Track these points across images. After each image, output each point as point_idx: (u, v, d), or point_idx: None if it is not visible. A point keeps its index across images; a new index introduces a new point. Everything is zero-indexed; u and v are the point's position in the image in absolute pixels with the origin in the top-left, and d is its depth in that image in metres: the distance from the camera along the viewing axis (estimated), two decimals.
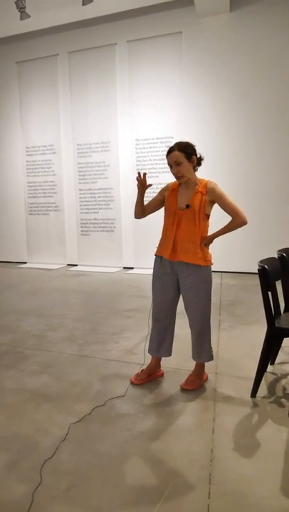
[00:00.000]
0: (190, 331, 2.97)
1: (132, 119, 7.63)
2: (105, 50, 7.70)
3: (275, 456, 2.13)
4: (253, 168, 6.89)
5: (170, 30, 7.13)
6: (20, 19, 6.76)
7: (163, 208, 2.96)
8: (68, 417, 2.57)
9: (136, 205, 2.98)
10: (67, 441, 2.32)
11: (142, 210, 2.98)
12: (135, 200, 2.98)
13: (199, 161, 2.86)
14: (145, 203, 2.98)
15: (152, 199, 3.01)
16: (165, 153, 2.87)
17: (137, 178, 2.88)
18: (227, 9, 6.68)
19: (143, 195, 2.93)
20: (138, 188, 2.90)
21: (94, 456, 2.17)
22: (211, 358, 2.97)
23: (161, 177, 7.00)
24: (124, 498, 1.87)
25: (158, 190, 3.01)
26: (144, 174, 2.88)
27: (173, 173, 2.82)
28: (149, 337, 3.12)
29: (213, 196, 2.78)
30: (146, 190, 2.89)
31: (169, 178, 2.93)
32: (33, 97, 8.43)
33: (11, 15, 6.91)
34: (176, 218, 2.82)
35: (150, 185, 2.90)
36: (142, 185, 2.88)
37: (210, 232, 2.86)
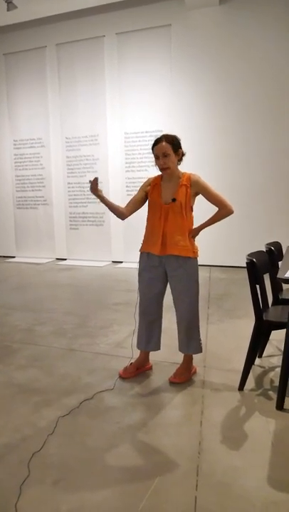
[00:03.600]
0: (177, 324, 2.97)
1: (121, 112, 7.57)
2: (94, 43, 7.61)
3: (262, 448, 2.15)
4: (241, 162, 6.89)
5: (159, 23, 7.07)
6: (7, 10, 6.66)
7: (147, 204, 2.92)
8: (56, 410, 2.57)
9: (111, 211, 2.83)
10: (56, 434, 2.31)
11: (120, 213, 2.84)
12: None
13: (182, 156, 2.85)
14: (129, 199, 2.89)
15: (134, 197, 2.92)
16: None
17: (91, 187, 2.68)
18: (216, 2, 6.65)
19: (104, 199, 2.75)
20: (96, 195, 2.72)
21: (82, 449, 2.17)
22: (200, 349, 2.97)
23: (151, 171, 6.91)
24: (111, 490, 1.88)
25: (139, 185, 2.96)
26: (96, 179, 2.68)
27: (159, 165, 2.79)
28: (136, 332, 3.12)
29: (198, 188, 2.79)
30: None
31: (158, 173, 2.91)
32: (20, 89, 8.31)
33: None
34: (162, 213, 2.80)
35: (96, 178, 2.68)
36: (94, 188, 2.68)
37: (195, 224, 2.86)
